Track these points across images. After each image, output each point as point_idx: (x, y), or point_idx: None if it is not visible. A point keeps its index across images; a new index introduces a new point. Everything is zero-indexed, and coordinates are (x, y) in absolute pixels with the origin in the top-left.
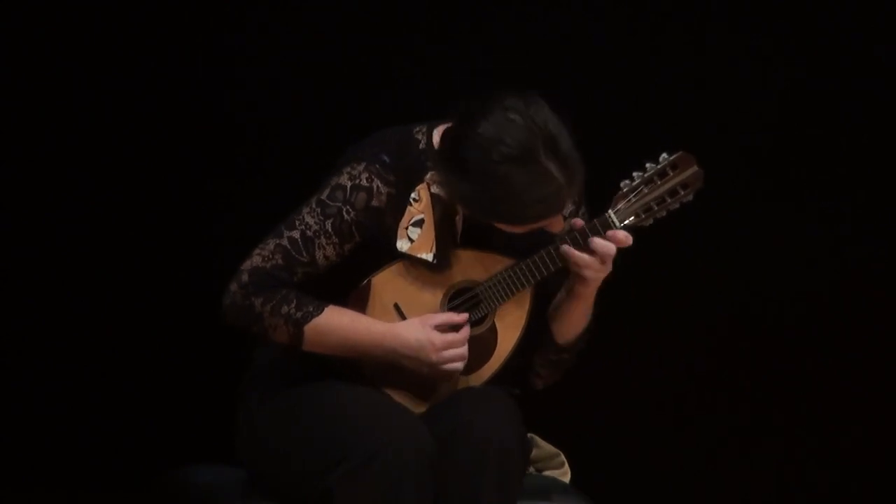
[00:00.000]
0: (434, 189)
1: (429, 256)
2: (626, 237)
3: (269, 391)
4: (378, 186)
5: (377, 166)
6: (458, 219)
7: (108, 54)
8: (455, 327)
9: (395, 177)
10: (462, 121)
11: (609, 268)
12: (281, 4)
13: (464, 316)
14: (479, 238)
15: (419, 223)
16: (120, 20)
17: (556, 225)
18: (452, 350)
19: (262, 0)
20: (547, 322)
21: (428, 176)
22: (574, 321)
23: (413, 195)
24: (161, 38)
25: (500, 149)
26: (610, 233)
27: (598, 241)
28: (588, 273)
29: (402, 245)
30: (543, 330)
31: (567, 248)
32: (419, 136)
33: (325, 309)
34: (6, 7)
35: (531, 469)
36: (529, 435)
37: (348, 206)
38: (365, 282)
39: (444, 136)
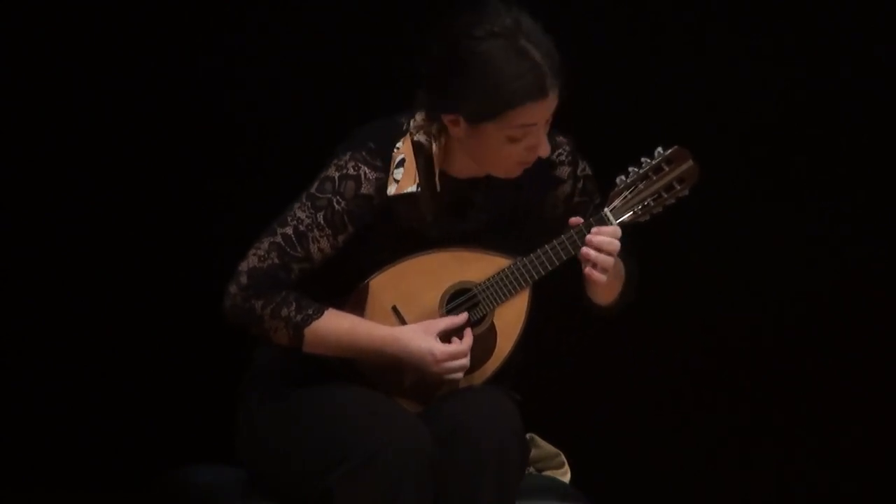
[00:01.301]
0: (416, 136)
1: (412, 188)
2: (600, 242)
3: (269, 391)
4: (366, 173)
5: (363, 153)
6: (436, 177)
7: (107, 54)
8: (458, 331)
9: (382, 161)
10: (447, 18)
11: (611, 261)
12: (281, 4)
13: (464, 316)
14: (455, 192)
15: (401, 163)
16: (120, 20)
17: (542, 147)
18: (454, 362)
19: (262, 0)
20: (586, 295)
21: (410, 124)
22: (607, 292)
23: (397, 144)
24: (161, 37)
25: (482, 27)
26: (597, 229)
27: (599, 239)
28: (592, 270)
29: (390, 189)
30: (587, 302)
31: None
32: (402, 121)
33: (325, 312)
34: (6, 7)
35: (531, 469)
36: (529, 435)
37: (338, 197)
38: (363, 284)
39: (429, 43)
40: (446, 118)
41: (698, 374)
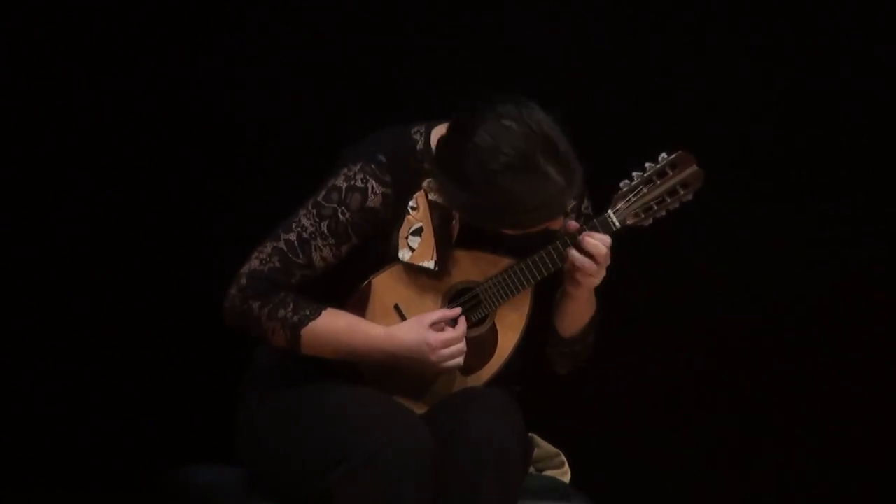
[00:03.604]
0: (432, 196)
1: (430, 264)
2: (593, 247)
3: (269, 391)
4: (373, 187)
5: (373, 166)
6: (455, 223)
7: (107, 55)
8: (452, 323)
9: (392, 177)
10: (457, 130)
11: (602, 271)
12: (281, 4)
13: (457, 310)
14: (476, 239)
15: (418, 231)
16: (119, 20)
17: (557, 222)
18: (450, 348)
19: (262, 0)
20: (551, 318)
21: (425, 184)
22: (575, 317)
23: (411, 203)
24: (161, 37)
25: (498, 158)
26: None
27: (588, 241)
28: (579, 276)
29: (404, 255)
30: (548, 326)
31: (568, 250)
32: (417, 137)
33: (323, 312)
34: (6, 7)
35: (531, 469)
36: (529, 435)
37: (343, 208)
38: (365, 283)
39: (439, 145)
40: None
41: (698, 374)
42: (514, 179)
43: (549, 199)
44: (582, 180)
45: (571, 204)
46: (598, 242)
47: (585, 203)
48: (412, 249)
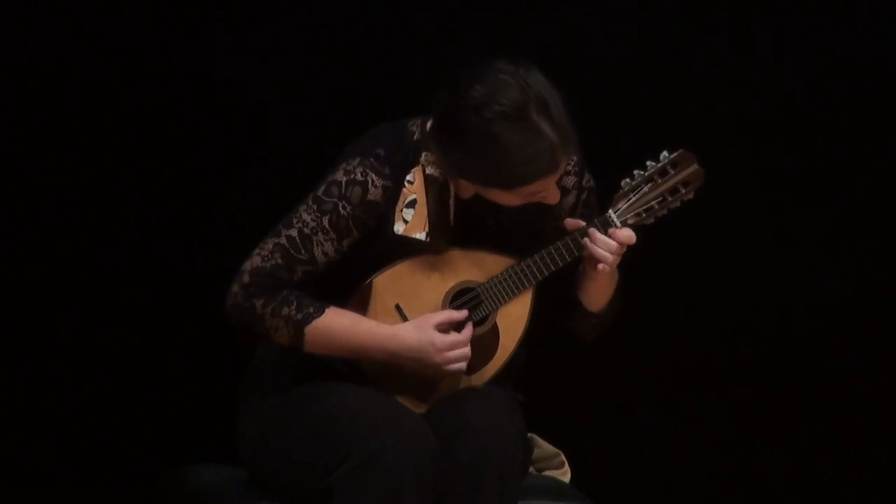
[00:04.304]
0: (429, 170)
1: (421, 235)
2: (628, 236)
3: (270, 391)
4: (373, 180)
5: (371, 160)
6: (451, 202)
7: (107, 55)
8: (457, 326)
9: (391, 169)
10: (452, 85)
11: (614, 263)
12: (281, 4)
13: (463, 313)
14: (472, 220)
15: (412, 203)
16: (119, 20)
17: (552, 196)
18: (455, 351)
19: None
20: (577, 296)
21: (423, 157)
22: (603, 292)
23: (408, 177)
24: (161, 37)
25: (492, 107)
26: (612, 231)
27: (599, 238)
28: (600, 266)
29: (398, 227)
30: (574, 304)
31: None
32: (413, 129)
33: (326, 310)
34: (7, 6)
35: (531, 469)
36: (529, 435)
37: (344, 202)
38: (366, 282)
39: (436, 102)
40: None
41: (699, 374)
42: (505, 128)
43: (539, 152)
44: (576, 144)
45: (571, 181)
46: (609, 241)
47: (586, 177)
48: (406, 222)
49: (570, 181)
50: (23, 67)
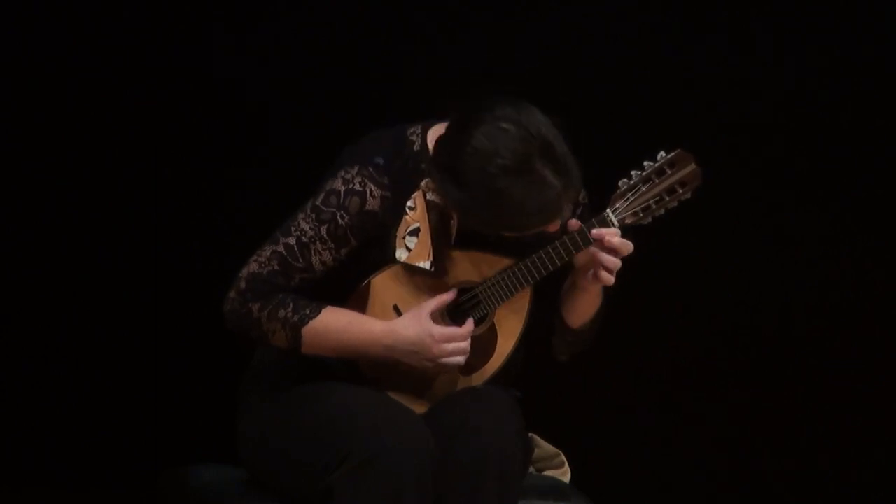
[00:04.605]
0: (430, 196)
1: (426, 265)
2: (620, 244)
3: (269, 391)
4: (371, 190)
5: (370, 169)
6: (454, 222)
7: (107, 55)
8: (457, 322)
9: (389, 179)
10: (455, 132)
11: (619, 264)
12: (281, 4)
13: (451, 294)
14: (474, 239)
15: (415, 232)
16: (119, 20)
17: (553, 226)
18: (454, 343)
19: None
20: (559, 309)
21: (423, 183)
22: (586, 309)
23: (409, 203)
24: (161, 37)
25: (495, 161)
26: (598, 235)
27: (611, 239)
28: (601, 273)
29: (401, 255)
30: (555, 317)
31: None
32: (413, 138)
33: (323, 310)
34: (6, 5)
35: (531, 469)
36: (529, 435)
37: (342, 212)
38: (364, 283)
39: (437, 146)
40: None
41: (698, 374)
42: (510, 183)
43: (546, 202)
44: (580, 183)
45: (568, 208)
46: (620, 241)
47: (582, 194)
48: (409, 250)
49: (568, 208)
50: (23, 67)
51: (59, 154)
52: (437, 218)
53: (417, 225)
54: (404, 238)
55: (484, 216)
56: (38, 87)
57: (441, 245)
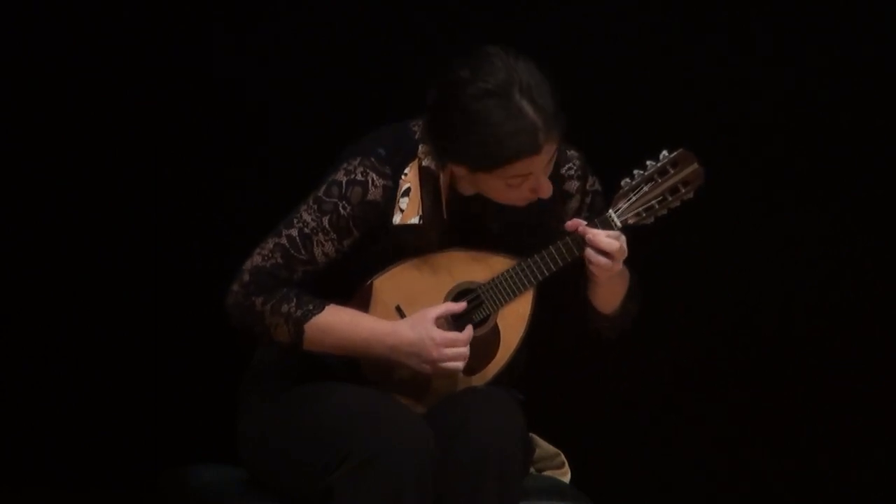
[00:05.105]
0: (425, 162)
1: (415, 220)
2: (607, 244)
3: (269, 391)
4: (373, 179)
5: (372, 159)
6: (444, 193)
7: (107, 55)
8: (459, 326)
9: (391, 168)
10: (444, 69)
11: (619, 265)
12: (281, 4)
13: (461, 304)
14: (474, 222)
15: (407, 192)
16: (119, 20)
17: (544, 189)
18: (454, 349)
19: None
20: (587, 299)
21: (420, 149)
22: (607, 298)
23: (405, 169)
24: (161, 37)
25: (476, 84)
26: (583, 231)
27: (602, 240)
28: (598, 272)
29: (396, 218)
30: (588, 307)
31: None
32: (415, 129)
33: (326, 307)
34: (6, 5)
35: (531, 469)
36: (529, 435)
37: (344, 202)
38: (367, 283)
39: (429, 89)
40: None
41: (699, 374)
42: (487, 105)
43: (521, 129)
44: (562, 131)
45: (575, 185)
46: (612, 240)
47: (590, 181)
48: (402, 211)
49: (573, 185)
50: (23, 67)
51: (59, 154)
52: (431, 185)
53: (409, 185)
54: (398, 200)
55: (462, 147)
56: (38, 87)
57: (433, 211)
